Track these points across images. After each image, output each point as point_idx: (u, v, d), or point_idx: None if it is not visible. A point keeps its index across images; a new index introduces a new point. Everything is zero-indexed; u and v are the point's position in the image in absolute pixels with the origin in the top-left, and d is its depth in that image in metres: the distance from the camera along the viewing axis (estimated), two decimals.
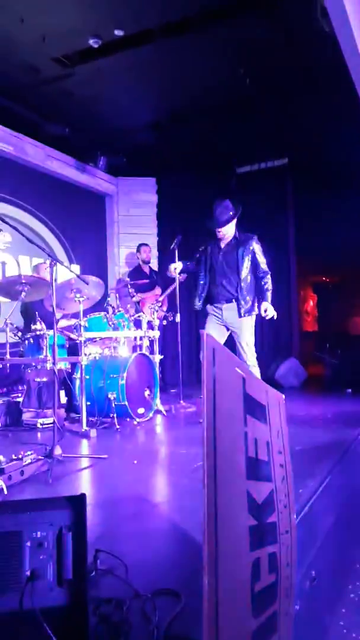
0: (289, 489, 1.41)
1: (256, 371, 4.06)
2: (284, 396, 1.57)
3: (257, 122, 6.09)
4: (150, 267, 6.83)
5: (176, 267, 4.63)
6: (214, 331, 4.12)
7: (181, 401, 5.05)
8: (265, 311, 4.08)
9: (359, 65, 3.89)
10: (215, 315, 4.19)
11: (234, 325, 4.12)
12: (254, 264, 4.19)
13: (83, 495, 1.28)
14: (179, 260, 4.90)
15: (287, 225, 7.48)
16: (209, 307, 4.23)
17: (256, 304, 4.19)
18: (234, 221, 4.22)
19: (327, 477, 2.57)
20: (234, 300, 4.12)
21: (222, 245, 4.24)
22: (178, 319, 5.25)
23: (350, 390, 6.25)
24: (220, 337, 4.14)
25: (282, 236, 7.41)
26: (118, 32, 4.39)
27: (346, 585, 2.78)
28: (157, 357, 4.89)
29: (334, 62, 4.04)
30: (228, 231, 4.20)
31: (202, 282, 4.27)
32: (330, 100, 5.35)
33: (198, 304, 4.27)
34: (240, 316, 4.09)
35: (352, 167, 6.96)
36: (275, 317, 4.15)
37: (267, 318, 4.13)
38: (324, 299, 17.57)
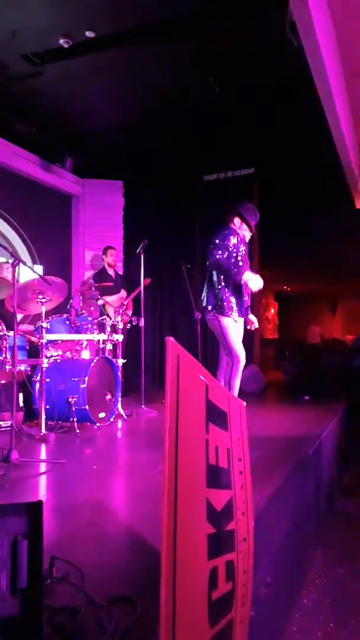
0: (247, 496, 1.42)
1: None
2: (245, 403, 1.58)
3: (226, 130, 6.17)
4: (115, 271, 6.80)
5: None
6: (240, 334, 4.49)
7: (143, 406, 5.03)
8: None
9: (325, 81, 4.00)
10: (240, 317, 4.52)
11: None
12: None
13: (40, 502, 1.26)
14: (144, 265, 4.99)
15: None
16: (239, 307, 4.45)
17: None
18: None
19: (284, 484, 2.60)
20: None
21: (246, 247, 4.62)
22: (142, 323, 5.24)
23: (307, 397, 6.38)
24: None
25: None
26: (89, 34, 4.37)
27: (300, 591, 2.82)
28: (119, 361, 4.86)
29: (302, 75, 4.14)
30: None
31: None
32: (297, 112, 5.47)
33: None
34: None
35: (317, 179, 7.14)
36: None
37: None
38: (284, 307, 17.91)
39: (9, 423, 3.75)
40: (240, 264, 4.30)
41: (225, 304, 4.25)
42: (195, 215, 7.42)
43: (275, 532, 2.40)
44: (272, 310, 17.47)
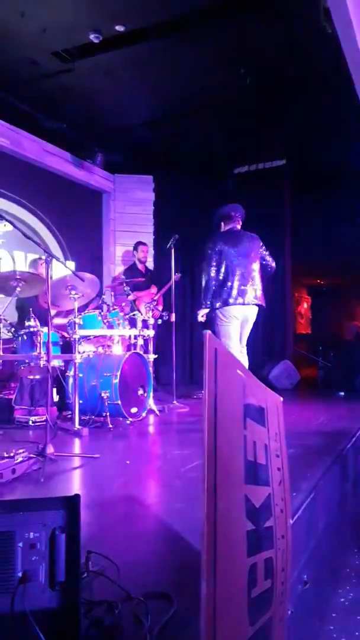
0: (285, 493, 1.40)
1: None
2: (281, 399, 1.55)
3: (256, 122, 6.09)
4: (145, 266, 6.81)
5: None
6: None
7: (174, 401, 5.03)
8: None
9: (359, 65, 3.89)
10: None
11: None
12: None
13: (77, 496, 1.26)
14: (174, 260, 5.00)
15: (283, 226, 7.49)
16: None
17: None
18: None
19: (320, 481, 2.56)
20: None
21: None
22: (173, 318, 5.23)
23: (342, 393, 6.27)
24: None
25: (278, 237, 7.41)
26: (119, 28, 4.36)
27: (336, 590, 2.78)
28: (151, 357, 4.87)
29: (335, 64, 4.04)
30: None
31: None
32: (330, 102, 5.35)
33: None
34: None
35: (350, 170, 6.98)
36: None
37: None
38: (318, 301, 17.63)
39: (43, 418, 3.80)
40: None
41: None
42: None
43: (312, 530, 2.36)
44: (305, 305, 17.23)
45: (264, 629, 1.07)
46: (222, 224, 4.59)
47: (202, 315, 4.46)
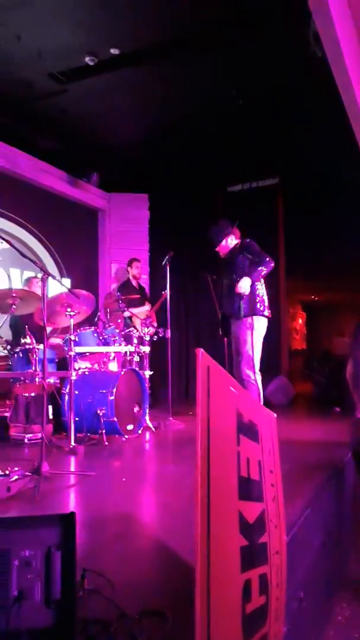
0: (279, 509, 1.41)
1: (253, 389, 4.12)
2: (275, 415, 1.57)
3: (249, 142, 6.18)
4: (139, 283, 6.85)
5: None
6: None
7: (170, 417, 5.03)
8: (240, 288, 4.14)
9: (349, 90, 3.97)
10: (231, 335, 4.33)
11: (234, 333, 4.24)
12: (247, 263, 4.30)
13: (73, 514, 1.27)
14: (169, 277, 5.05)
15: (277, 243, 7.55)
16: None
17: (251, 309, 4.21)
18: (232, 236, 4.38)
19: (316, 496, 2.56)
20: (233, 311, 4.26)
21: (225, 261, 4.43)
22: (169, 334, 5.25)
23: (338, 409, 6.27)
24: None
25: (272, 254, 7.46)
26: (114, 51, 4.46)
27: (333, 607, 2.76)
28: (147, 373, 4.88)
29: (326, 85, 4.13)
30: (228, 244, 4.45)
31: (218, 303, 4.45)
32: (322, 122, 5.45)
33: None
34: (236, 319, 4.23)
35: (343, 189, 7.08)
36: (244, 292, 4.15)
37: (237, 292, 4.16)
38: (312, 317, 17.70)
39: (39, 435, 3.79)
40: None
41: None
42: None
43: (308, 546, 2.36)
44: (300, 321, 17.29)
45: None
46: (232, 237, 4.50)
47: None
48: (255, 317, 4.18)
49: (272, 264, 4.29)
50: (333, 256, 10.30)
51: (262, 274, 4.25)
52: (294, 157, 6.62)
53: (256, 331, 4.17)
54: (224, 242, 4.46)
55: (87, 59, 4.54)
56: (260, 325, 4.21)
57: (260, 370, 4.33)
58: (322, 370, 7.41)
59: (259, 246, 4.40)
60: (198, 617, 0.80)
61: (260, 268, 4.21)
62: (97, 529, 2.21)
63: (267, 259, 4.27)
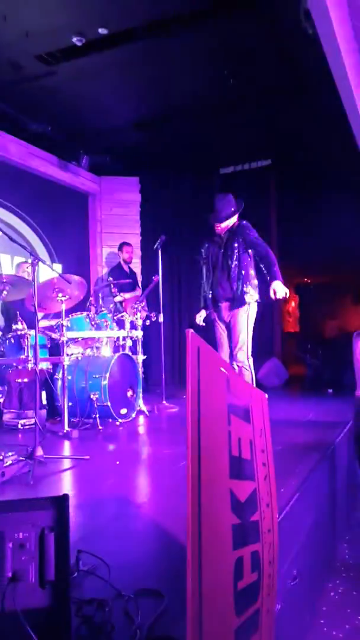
0: (271, 488, 1.42)
1: (247, 373, 4.06)
2: (266, 395, 1.58)
3: (241, 123, 6.12)
4: (130, 267, 6.82)
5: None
6: (223, 339, 4.16)
7: (164, 401, 5.05)
8: (274, 292, 3.93)
9: (341, 67, 3.93)
10: (218, 323, 4.20)
11: (229, 321, 4.14)
12: (247, 251, 4.14)
13: (66, 496, 1.27)
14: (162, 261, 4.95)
15: (269, 226, 7.53)
16: (212, 311, 4.21)
17: (251, 295, 4.12)
18: (235, 217, 4.22)
19: (309, 476, 2.59)
20: (231, 296, 4.13)
21: (221, 241, 4.22)
22: (161, 319, 5.25)
23: (331, 390, 6.32)
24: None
25: (265, 237, 7.41)
26: (102, 31, 4.37)
27: (327, 584, 2.81)
28: (139, 357, 4.88)
29: (318, 64, 4.08)
30: (229, 224, 4.21)
31: (206, 285, 4.24)
32: (314, 102, 5.40)
33: (206, 311, 4.22)
34: (232, 309, 4.09)
35: (335, 170, 7.04)
36: (287, 296, 4.00)
37: (276, 298, 3.96)
38: (306, 300, 17.72)
39: (32, 421, 3.80)
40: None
41: None
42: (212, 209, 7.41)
43: (301, 525, 2.39)
44: (293, 304, 17.30)
45: (252, 619, 1.09)
46: (237, 216, 4.29)
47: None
48: (252, 304, 4.14)
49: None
50: (326, 238, 10.29)
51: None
52: (286, 138, 6.56)
53: (251, 317, 4.14)
54: (230, 222, 4.22)
55: (75, 39, 4.45)
56: (254, 311, 4.18)
57: (252, 354, 4.31)
58: (315, 353, 7.45)
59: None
60: (189, 594, 0.81)
61: (276, 267, 4.07)
62: (92, 511, 2.23)
63: (272, 254, 4.15)
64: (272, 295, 3.96)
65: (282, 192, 7.49)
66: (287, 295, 4.00)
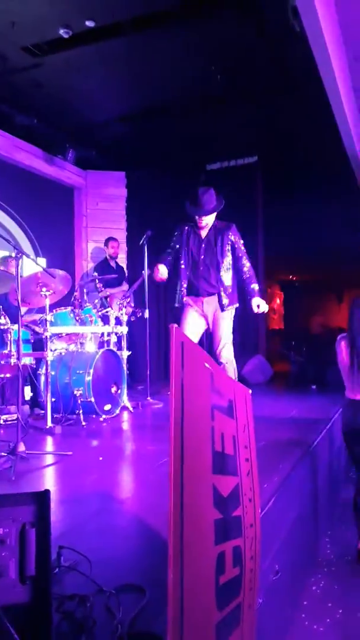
0: (254, 483, 1.42)
1: (231, 368, 4.05)
2: (250, 391, 1.58)
3: (228, 119, 6.11)
4: (116, 262, 6.78)
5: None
6: (192, 324, 4.07)
7: (148, 398, 5.04)
8: (258, 307, 4.03)
9: (328, 65, 3.95)
10: (194, 308, 4.10)
11: (214, 319, 4.10)
12: (235, 255, 4.12)
13: (47, 491, 1.26)
14: (148, 257, 4.90)
15: (255, 222, 7.55)
16: (186, 299, 4.12)
17: (236, 297, 4.14)
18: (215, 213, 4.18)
19: (291, 472, 2.61)
20: (215, 294, 4.08)
21: (202, 234, 4.18)
22: (147, 315, 5.23)
23: (314, 386, 6.37)
24: (198, 330, 4.10)
25: (251, 233, 7.47)
26: (89, 23, 4.32)
27: (308, 578, 2.84)
28: (124, 353, 4.87)
29: (305, 62, 4.09)
30: (210, 221, 4.13)
31: (184, 273, 4.17)
32: (301, 100, 5.42)
33: (184, 299, 4.12)
34: (222, 310, 4.06)
35: (322, 169, 7.08)
36: (266, 311, 4.13)
37: (259, 312, 4.08)
38: (290, 297, 17.84)
39: (15, 416, 3.77)
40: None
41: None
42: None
43: (283, 520, 2.40)
44: (278, 301, 17.40)
45: (233, 614, 1.09)
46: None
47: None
48: (235, 306, 4.15)
49: None
50: (312, 237, 10.37)
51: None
52: (273, 135, 6.58)
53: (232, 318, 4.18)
54: (212, 216, 4.17)
55: (61, 31, 4.39)
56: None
57: (237, 351, 4.30)
58: (299, 350, 7.51)
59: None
60: (171, 588, 0.81)
61: (255, 281, 4.15)
62: (74, 506, 2.22)
63: (251, 265, 4.21)
64: (255, 309, 4.05)
65: (268, 189, 7.51)
66: (267, 310, 4.14)
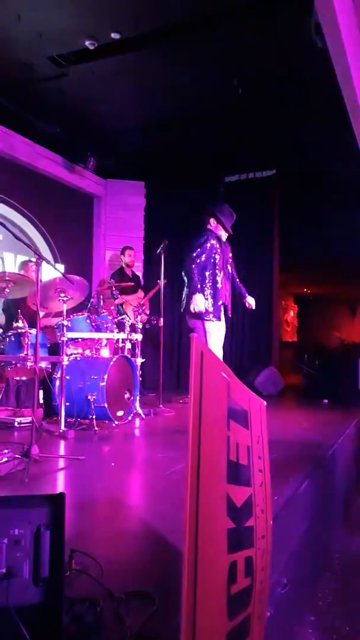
0: (266, 494, 1.43)
1: None
2: (265, 402, 1.59)
3: (248, 132, 6.16)
4: (132, 271, 6.84)
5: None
6: (219, 335, 4.18)
7: (160, 405, 5.05)
8: (251, 304, 4.37)
9: (349, 81, 3.97)
10: (215, 322, 4.23)
11: (222, 328, 4.21)
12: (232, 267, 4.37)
13: (62, 494, 1.28)
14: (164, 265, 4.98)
15: (271, 235, 7.57)
16: (214, 310, 4.21)
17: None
18: None
19: (302, 486, 2.60)
20: (227, 305, 4.23)
21: (224, 247, 4.34)
22: (161, 323, 5.26)
23: (326, 400, 6.33)
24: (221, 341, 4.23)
25: (266, 246, 7.49)
26: (115, 35, 4.41)
27: (315, 593, 2.81)
28: (138, 360, 4.89)
29: (326, 77, 4.12)
30: None
31: (217, 282, 4.27)
32: (320, 114, 5.45)
33: (211, 307, 4.20)
34: (228, 316, 4.17)
35: (339, 184, 7.08)
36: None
37: (253, 308, 4.40)
38: (304, 310, 17.77)
39: (29, 419, 3.81)
40: (217, 266, 4.25)
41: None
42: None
43: (292, 534, 2.40)
44: (292, 313, 17.34)
45: (243, 624, 1.10)
46: (212, 222, 4.42)
47: None
48: None
49: None
50: (327, 250, 10.34)
51: None
52: (292, 150, 6.61)
53: None
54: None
55: (87, 42, 4.49)
56: None
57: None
58: (312, 363, 7.47)
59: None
60: (184, 595, 0.82)
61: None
62: (86, 511, 2.24)
63: None
64: (252, 305, 4.41)
65: (285, 202, 7.53)
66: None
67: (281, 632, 2.16)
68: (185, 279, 4.29)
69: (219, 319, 4.18)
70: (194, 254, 4.26)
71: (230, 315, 4.37)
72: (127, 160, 7.09)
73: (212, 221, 4.33)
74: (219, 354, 4.12)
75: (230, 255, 4.35)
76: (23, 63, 4.83)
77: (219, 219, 4.28)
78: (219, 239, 4.32)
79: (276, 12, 4.09)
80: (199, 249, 4.31)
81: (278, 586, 2.09)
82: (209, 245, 4.25)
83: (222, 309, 4.23)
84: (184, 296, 4.27)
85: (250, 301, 4.35)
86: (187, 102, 5.59)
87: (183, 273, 4.32)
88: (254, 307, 4.39)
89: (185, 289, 4.30)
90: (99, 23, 4.30)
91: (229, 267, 4.30)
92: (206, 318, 4.14)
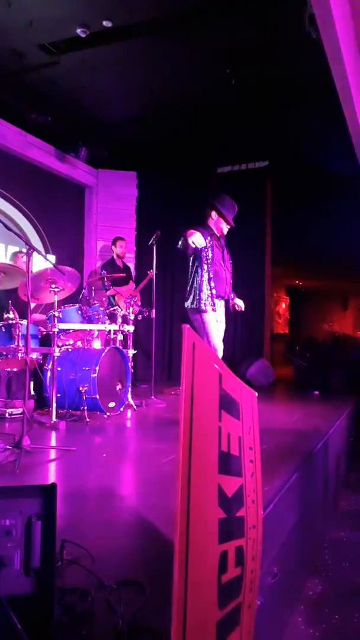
0: (257, 485, 1.44)
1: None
2: (256, 394, 1.60)
3: (241, 123, 6.14)
4: (123, 262, 6.81)
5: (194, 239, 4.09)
6: (218, 328, 4.16)
7: (152, 397, 5.06)
8: (239, 306, 4.34)
9: (343, 73, 3.96)
10: (215, 313, 4.18)
11: (222, 321, 4.21)
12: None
13: (54, 485, 1.28)
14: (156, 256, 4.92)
15: (264, 227, 7.57)
16: (210, 303, 4.15)
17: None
18: None
19: (292, 477, 2.62)
20: (227, 298, 4.23)
21: (221, 241, 4.31)
22: (153, 314, 5.25)
23: (317, 392, 6.38)
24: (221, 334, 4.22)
25: (259, 238, 7.49)
26: (107, 24, 4.36)
27: (305, 582, 2.84)
28: (130, 352, 4.89)
29: (320, 69, 4.11)
30: None
31: (210, 275, 4.20)
32: (314, 106, 5.43)
33: (210, 302, 4.13)
34: (227, 311, 4.19)
35: (332, 175, 7.08)
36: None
37: (241, 310, 4.39)
38: (296, 302, 17.84)
39: (20, 410, 3.80)
40: (214, 260, 4.19)
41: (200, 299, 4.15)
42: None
43: (283, 524, 2.42)
44: (284, 305, 17.40)
45: (233, 613, 1.11)
46: (213, 214, 4.32)
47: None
48: None
49: None
50: (319, 242, 10.37)
51: None
52: (285, 141, 6.60)
53: None
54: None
55: (78, 30, 4.43)
56: None
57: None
58: (303, 355, 7.51)
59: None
60: (175, 584, 0.83)
61: None
62: (77, 501, 2.24)
63: None
64: (242, 307, 4.36)
65: (278, 193, 7.52)
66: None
67: (271, 620, 2.18)
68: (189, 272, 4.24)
69: (214, 309, 4.14)
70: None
71: (231, 310, 4.33)
72: (119, 150, 7.04)
73: (214, 214, 4.26)
74: (219, 347, 4.13)
75: (227, 249, 4.32)
76: (14, 51, 4.76)
77: (220, 211, 4.22)
78: (212, 235, 4.26)
79: (270, 3, 4.05)
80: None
81: (269, 575, 2.11)
82: (208, 239, 4.22)
83: (222, 302, 4.22)
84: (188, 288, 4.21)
85: (239, 303, 4.31)
86: (180, 92, 5.55)
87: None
88: (243, 309, 4.37)
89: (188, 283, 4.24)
90: (90, 10, 4.25)
91: (229, 262, 4.30)
92: (203, 308, 4.12)
